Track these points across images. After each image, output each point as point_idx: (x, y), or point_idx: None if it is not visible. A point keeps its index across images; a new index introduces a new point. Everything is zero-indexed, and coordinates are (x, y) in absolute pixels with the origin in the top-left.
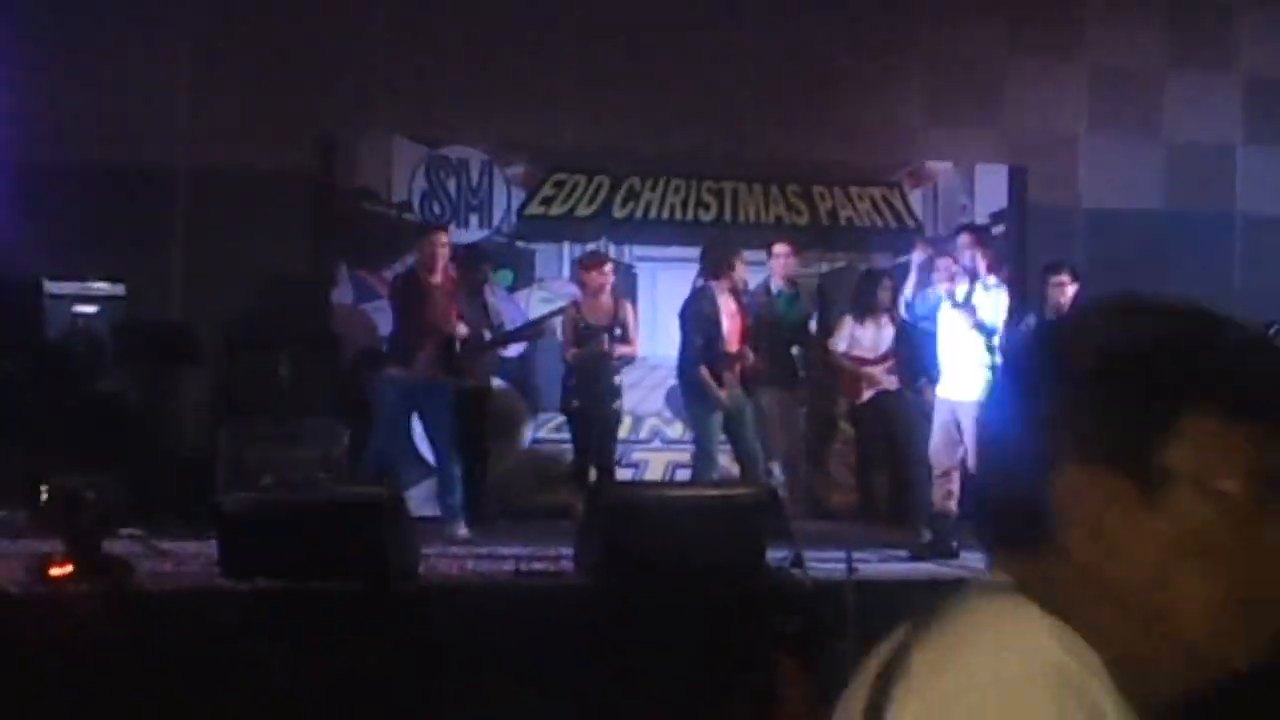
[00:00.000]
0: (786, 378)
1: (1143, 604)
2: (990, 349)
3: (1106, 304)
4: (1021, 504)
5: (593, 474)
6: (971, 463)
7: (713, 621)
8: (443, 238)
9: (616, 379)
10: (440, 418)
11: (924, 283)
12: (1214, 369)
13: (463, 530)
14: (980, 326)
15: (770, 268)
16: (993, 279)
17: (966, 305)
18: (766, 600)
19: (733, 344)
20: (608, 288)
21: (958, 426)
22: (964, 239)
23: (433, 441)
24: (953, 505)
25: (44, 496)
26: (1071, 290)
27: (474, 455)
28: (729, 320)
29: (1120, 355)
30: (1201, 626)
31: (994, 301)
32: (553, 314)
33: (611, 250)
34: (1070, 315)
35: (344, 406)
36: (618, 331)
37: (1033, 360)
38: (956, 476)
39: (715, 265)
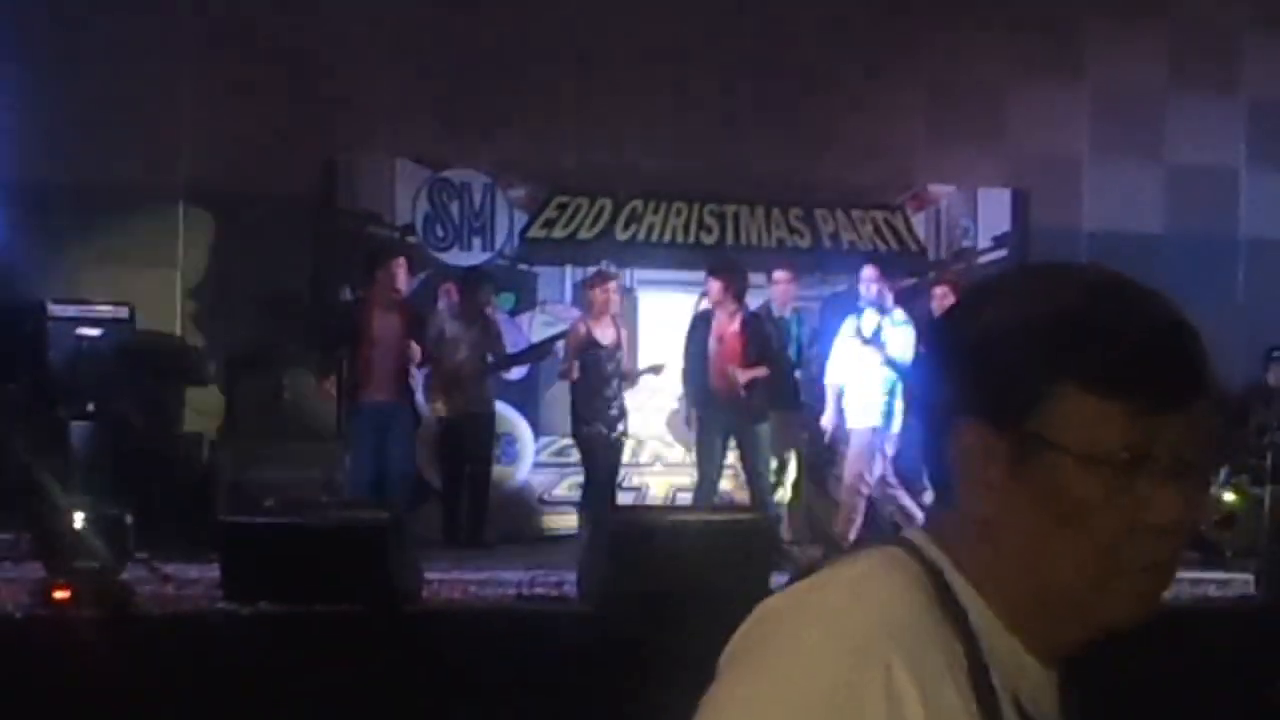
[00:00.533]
0: (789, 401)
1: (1023, 560)
2: (901, 382)
3: (1012, 273)
4: (931, 459)
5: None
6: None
7: (717, 647)
8: (401, 262)
9: (621, 401)
10: (401, 443)
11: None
12: (1090, 346)
13: None
14: (890, 363)
15: (770, 293)
16: (900, 313)
17: (875, 340)
18: None
19: (733, 365)
20: (615, 307)
21: (869, 455)
22: (867, 272)
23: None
24: (852, 534)
25: (79, 524)
26: None
27: (477, 479)
28: (730, 341)
29: (1008, 325)
30: (1075, 586)
31: (902, 336)
32: (556, 337)
33: (612, 273)
34: (980, 283)
35: (346, 429)
36: (622, 353)
37: (944, 324)
38: (861, 506)
39: (720, 286)
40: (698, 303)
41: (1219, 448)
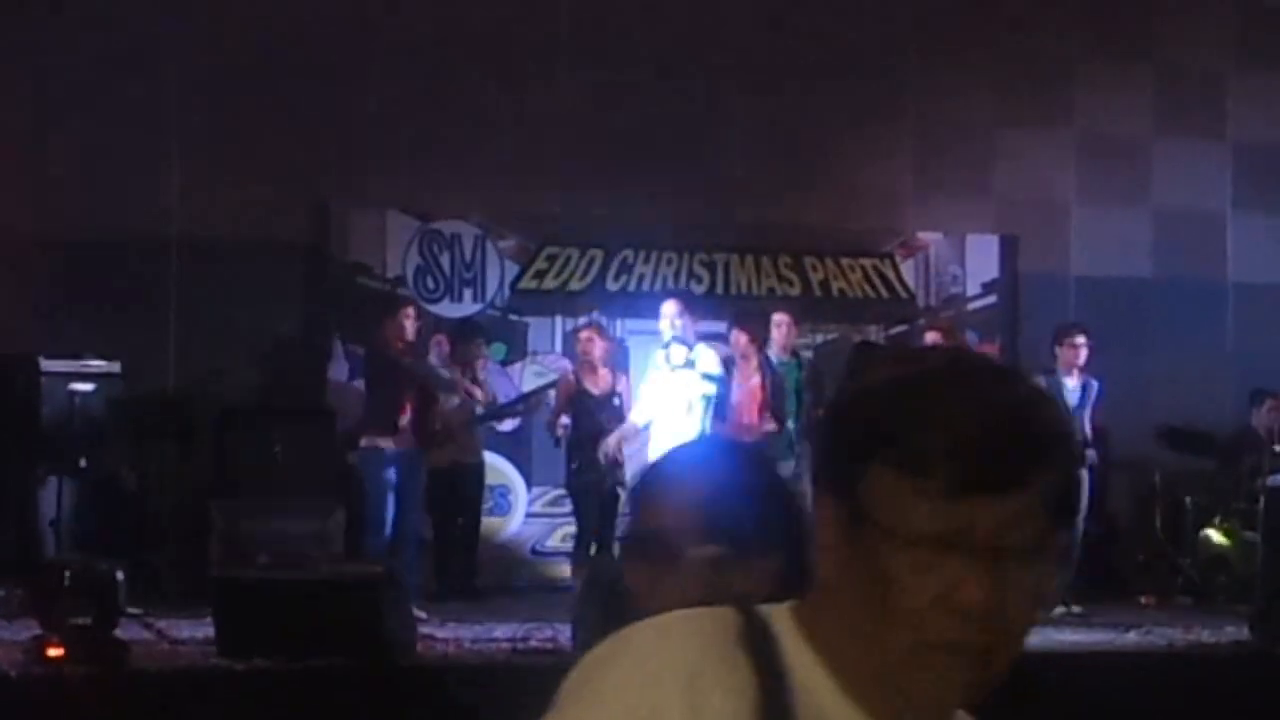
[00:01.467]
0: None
1: (852, 626)
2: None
3: (886, 348)
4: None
5: (592, 549)
6: None
7: None
8: (410, 312)
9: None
10: (416, 490)
11: None
12: (905, 428)
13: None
14: (708, 377)
15: (771, 338)
16: (704, 346)
17: (688, 364)
18: None
19: (751, 415)
20: (601, 355)
21: None
22: (668, 308)
23: (404, 513)
24: None
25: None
26: (1085, 351)
27: (467, 530)
28: (755, 392)
29: (847, 399)
30: (890, 658)
31: (712, 357)
32: (546, 387)
33: (605, 323)
34: (867, 354)
35: (338, 482)
36: (616, 401)
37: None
38: None
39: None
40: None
41: (1062, 538)
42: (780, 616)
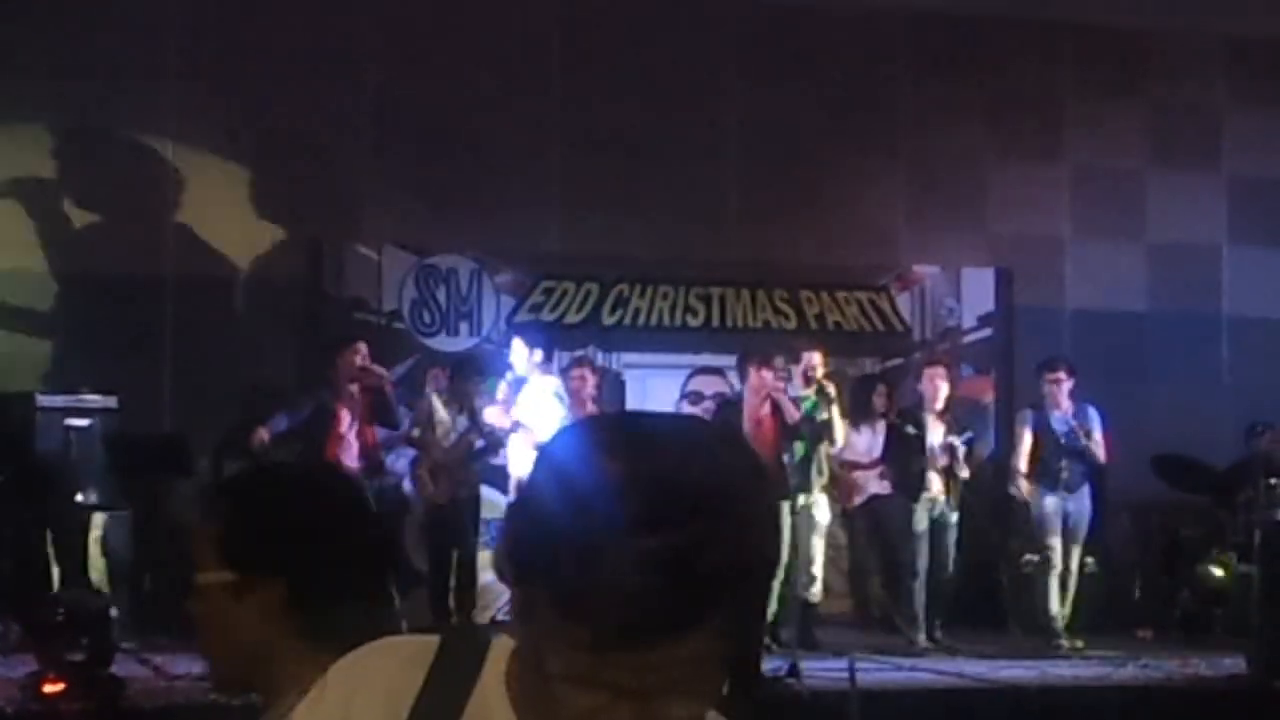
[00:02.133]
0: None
1: (533, 681)
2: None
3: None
4: None
5: None
6: None
7: None
8: (359, 348)
9: None
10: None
11: None
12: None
13: None
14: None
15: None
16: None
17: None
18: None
19: (765, 449)
20: (591, 392)
21: None
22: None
23: None
24: None
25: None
26: (1068, 385)
27: (464, 564)
28: (766, 425)
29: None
30: None
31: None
32: None
33: (600, 357)
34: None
35: None
36: None
37: None
38: None
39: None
40: (685, 384)
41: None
42: (502, 649)
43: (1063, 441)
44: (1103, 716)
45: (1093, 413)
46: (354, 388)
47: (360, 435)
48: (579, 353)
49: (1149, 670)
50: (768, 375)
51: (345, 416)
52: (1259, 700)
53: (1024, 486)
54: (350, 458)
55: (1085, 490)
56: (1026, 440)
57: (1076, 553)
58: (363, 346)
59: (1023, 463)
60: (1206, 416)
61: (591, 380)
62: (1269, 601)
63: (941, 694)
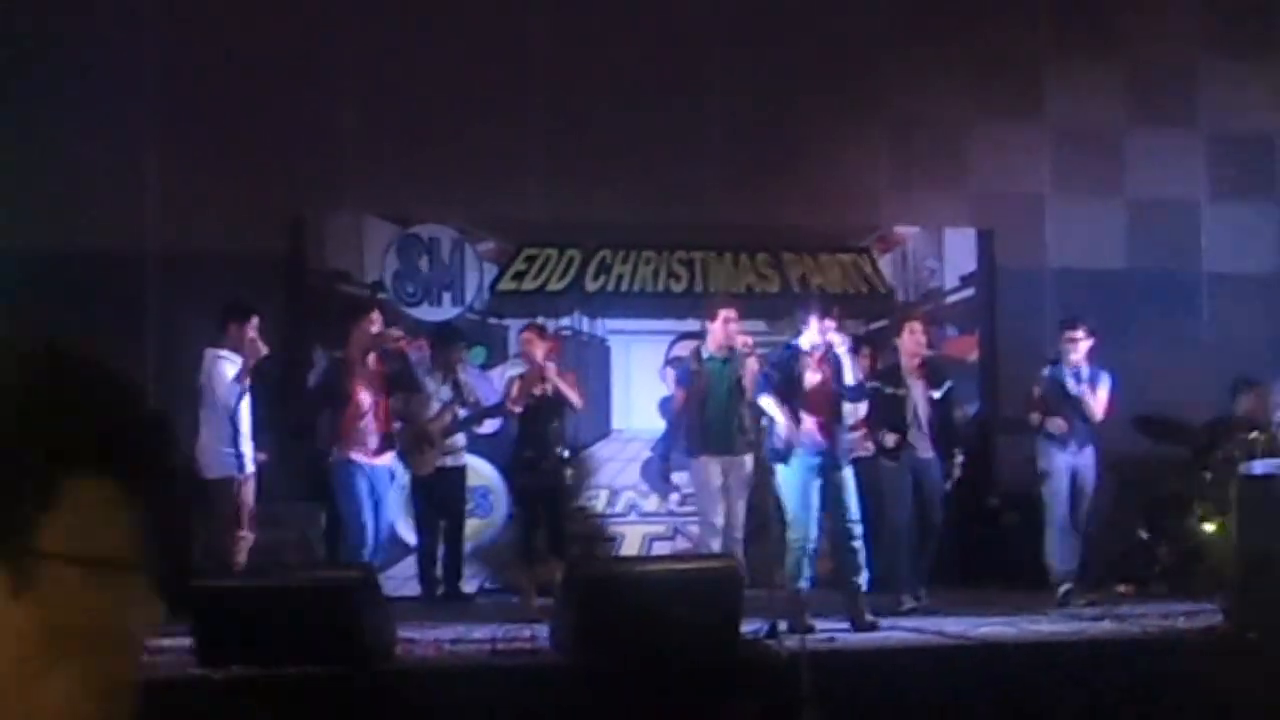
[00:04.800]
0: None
1: (6, 710)
2: None
3: None
4: None
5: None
6: None
7: (688, 697)
8: (375, 318)
9: (564, 448)
10: (383, 502)
11: None
12: (94, 426)
13: None
14: None
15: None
16: None
17: None
18: (735, 676)
19: (819, 408)
20: (545, 357)
21: None
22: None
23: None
24: None
25: None
26: (1086, 345)
27: (451, 533)
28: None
29: None
30: None
31: None
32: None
33: (585, 324)
34: None
35: (320, 488)
36: (563, 402)
37: None
38: None
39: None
40: (669, 349)
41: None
42: None
43: (1073, 395)
44: (1079, 670)
45: (1104, 375)
46: (371, 359)
47: (378, 412)
48: (565, 320)
49: (1126, 625)
50: (830, 325)
51: (364, 397)
52: (1234, 652)
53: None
54: (373, 439)
55: (1090, 449)
56: (1036, 395)
57: (1084, 508)
58: (377, 315)
59: (1035, 413)
60: (1188, 373)
61: (543, 345)
62: (1245, 554)
63: (920, 652)
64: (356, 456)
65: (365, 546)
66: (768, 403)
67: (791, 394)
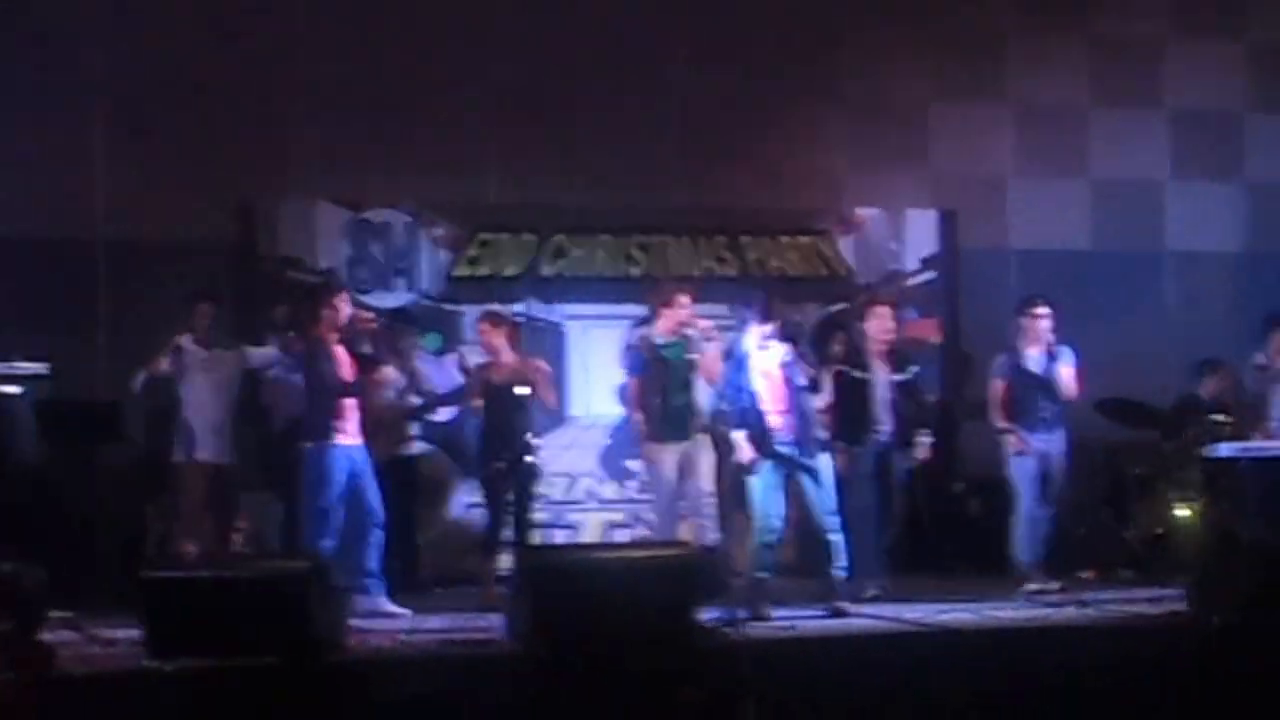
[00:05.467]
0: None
1: None
2: None
3: None
4: None
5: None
6: None
7: (643, 685)
8: (344, 298)
9: (527, 438)
10: (366, 484)
11: None
12: None
13: (386, 604)
14: None
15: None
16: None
17: None
18: (688, 664)
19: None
20: (503, 345)
21: None
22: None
23: (362, 510)
24: None
25: None
26: (1049, 323)
27: (403, 523)
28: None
29: None
30: None
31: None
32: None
33: (541, 309)
34: None
35: (275, 478)
36: (521, 391)
37: None
38: None
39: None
40: (628, 334)
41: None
42: None
43: (1041, 378)
44: (1042, 657)
45: (1067, 350)
46: (339, 346)
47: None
48: (519, 306)
49: (1089, 610)
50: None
51: (337, 377)
52: (1198, 637)
53: (1013, 443)
54: (350, 421)
55: (1061, 432)
56: (999, 390)
57: (1053, 493)
58: (346, 296)
59: (997, 412)
60: (1153, 354)
61: (496, 332)
62: (1210, 538)
63: (879, 639)
64: (333, 440)
65: (328, 535)
66: (738, 437)
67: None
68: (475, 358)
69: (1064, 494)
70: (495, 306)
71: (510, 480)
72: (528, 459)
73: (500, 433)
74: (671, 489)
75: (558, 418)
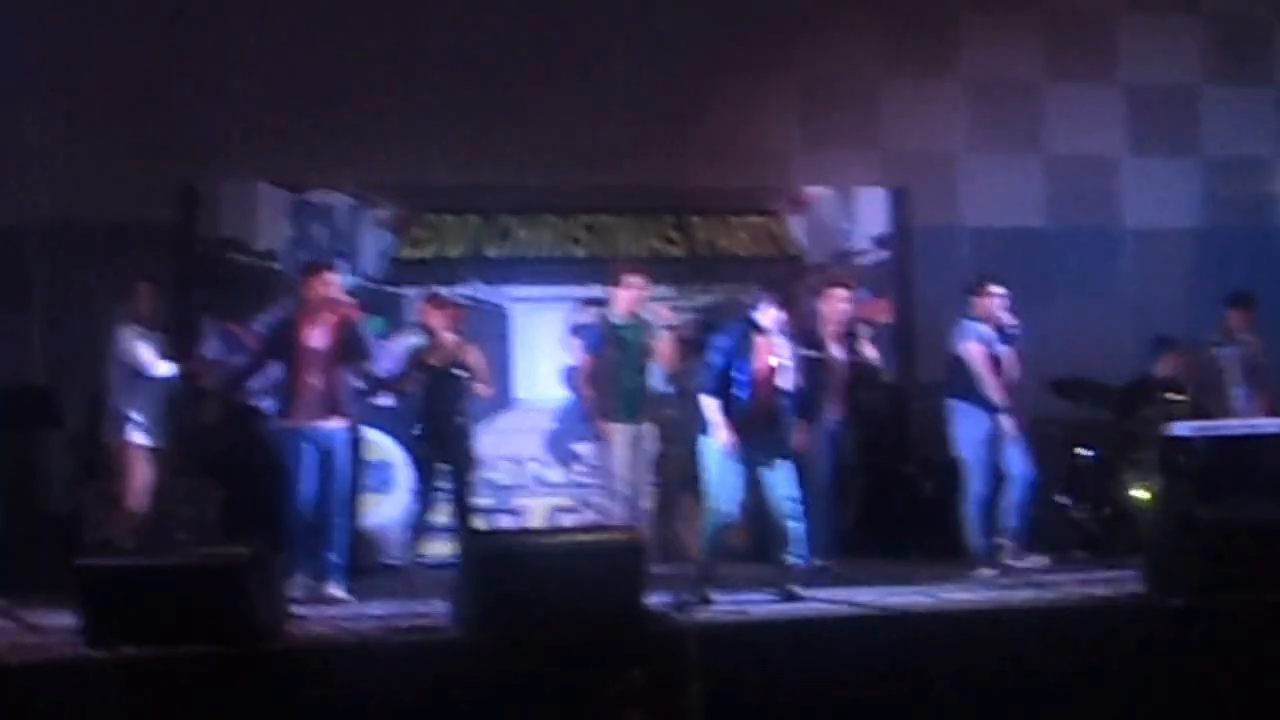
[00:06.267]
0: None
1: None
2: None
3: None
4: None
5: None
6: None
7: (587, 671)
8: (331, 276)
9: (465, 421)
10: (341, 468)
11: None
12: None
13: (337, 590)
14: None
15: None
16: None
17: None
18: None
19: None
20: (444, 326)
21: None
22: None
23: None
24: None
25: None
26: (1002, 301)
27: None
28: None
29: None
30: None
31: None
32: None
33: (485, 291)
34: None
35: (216, 464)
36: (459, 373)
37: None
38: None
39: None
40: (578, 314)
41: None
42: None
43: (994, 356)
44: (996, 640)
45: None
46: (322, 321)
47: (330, 378)
48: (463, 288)
49: (1044, 591)
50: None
51: (314, 358)
52: (1155, 618)
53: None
54: (323, 405)
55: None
56: (977, 352)
57: (1024, 467)
58: (330, 275)
59: (989, 384)
60: (1110, 332)
61: (438, 315)
62: (1166, 518)
63: (831, 623)
64: (305, 422)
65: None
66: (709, 405)
67: (737, 377)
68: (413, 339)
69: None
70: (438, 289)
71: (437, 461)
72: (465, 443)
73: (436, 415)
74: (621, 467)
75: (503, 401)
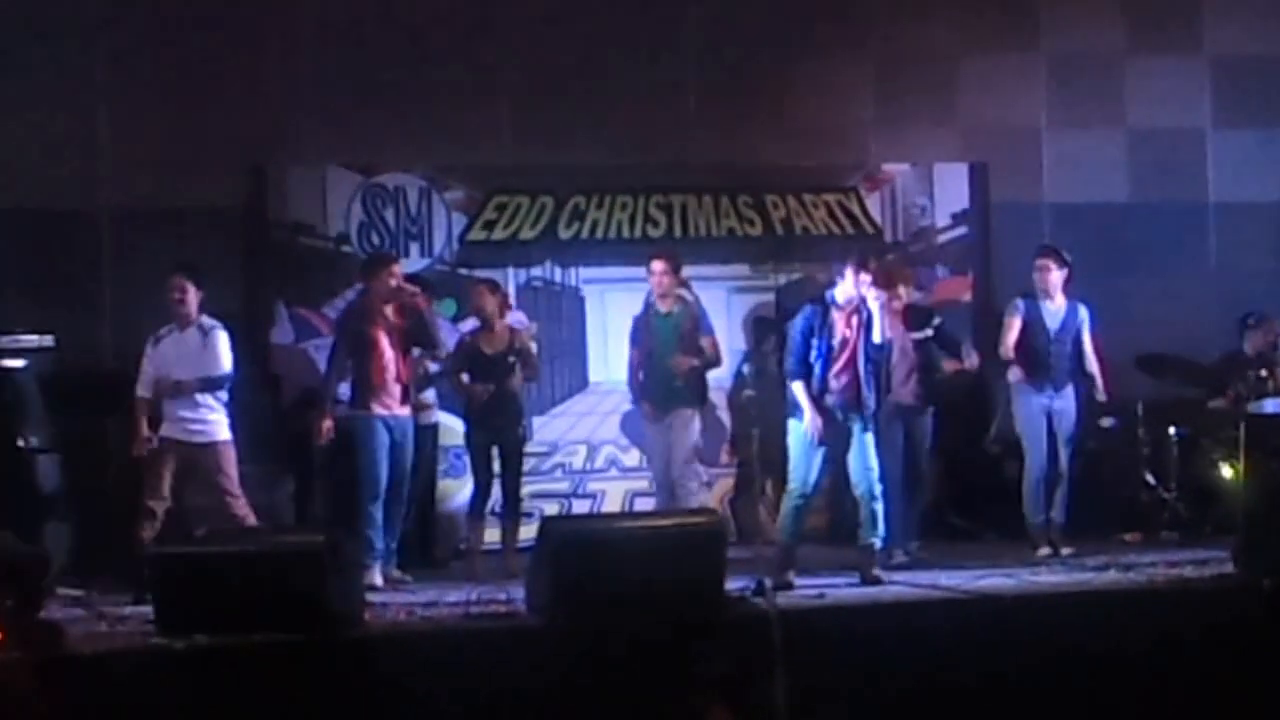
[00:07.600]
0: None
1: None
2: None
3: None
4: None
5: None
6: None
7: (668, 658)
8: (397, 269)
9: (517, 408)
10: (407, 454)
11: None
12: None
13: (378, 579)
14: None
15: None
16: None
17: None
18: (715, 635)
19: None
20: (496, 313)
21: None
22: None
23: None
24: None
25: None
26: (1057, 276)
27: (422, 494)
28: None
29: None
30: None
31: None
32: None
33: (559, 273)
34: None
35: (287, 450)
36: (512, 360)
37: None
38: None
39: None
40: (647, 297)
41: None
42: None
43: (1053, 336)
44: (1082, 623)
45: (1083, 311)
46: (390, 311)
47: (398, 366)
48: (537, 270)
49: (1131, 574)
50: (866, 279)
51: (385, 347)
52: (1245, 599)
53: (1015, 373)
54: (396, 392)
55: (1070, 389)
56: (1015, 328)
57: (1064, 454)
58: (398, 266)
59: (1011, 350)
60: (1195, 307)
61: (491, 300)
62: (1255, 498)
63: (914, 606)
64: (379, 410)
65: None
66: (797, 389)
67: (819, 351)
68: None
69: (1084, 453)
70: (544, 270)
71: (491, 445)
72: (516, 430)
73: (488, 402)
74: (656, 454)
75: (578, 384)
